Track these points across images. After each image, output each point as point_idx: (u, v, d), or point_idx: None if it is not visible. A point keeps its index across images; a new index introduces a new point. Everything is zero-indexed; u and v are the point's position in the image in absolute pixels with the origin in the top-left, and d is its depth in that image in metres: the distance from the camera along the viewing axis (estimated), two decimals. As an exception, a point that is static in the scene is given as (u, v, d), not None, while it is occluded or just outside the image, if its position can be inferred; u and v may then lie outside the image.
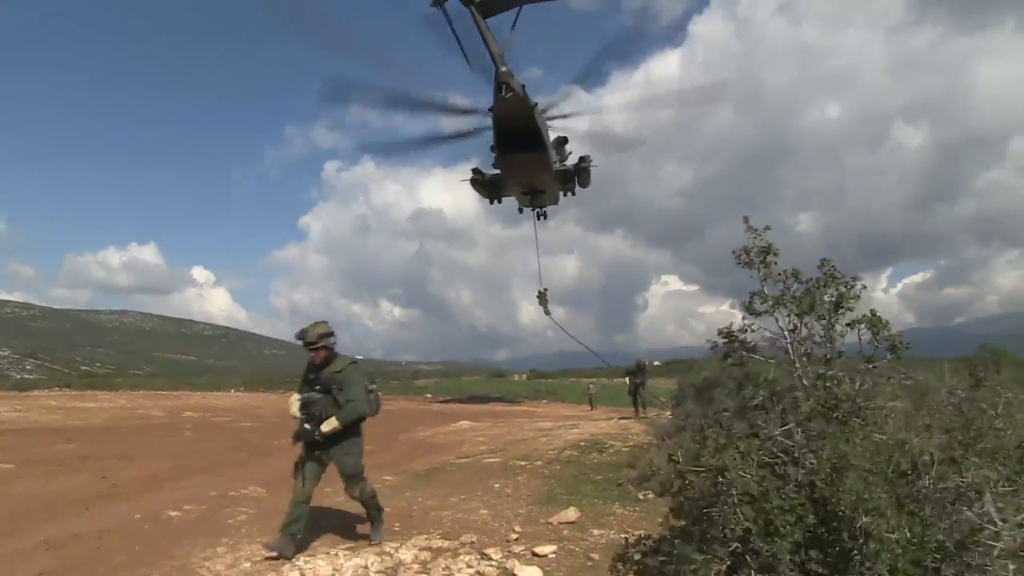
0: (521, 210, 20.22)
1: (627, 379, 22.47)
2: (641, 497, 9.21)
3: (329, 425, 6.69)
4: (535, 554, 6.78)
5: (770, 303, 3.57)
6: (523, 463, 12.34)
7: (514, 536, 7.51)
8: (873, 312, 3.48)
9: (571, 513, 8.31)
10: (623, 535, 7.49)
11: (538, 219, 20.46)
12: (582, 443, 14.62)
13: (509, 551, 6.91)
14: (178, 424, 21.01)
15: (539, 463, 12.31)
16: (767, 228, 3.64)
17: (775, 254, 3.61)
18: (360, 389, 6.96)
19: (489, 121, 15.46)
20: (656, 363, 38.68)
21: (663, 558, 3.10)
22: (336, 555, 6.74)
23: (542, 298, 20.98)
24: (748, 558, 2.75)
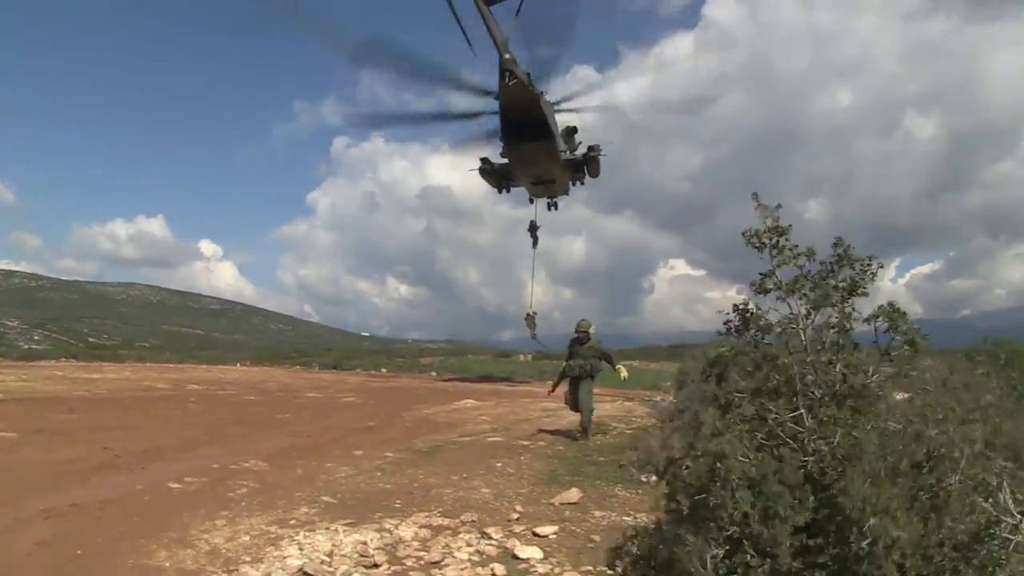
0: (532, 200, 19.99)
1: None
2: (644, 480, 9.18)
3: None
4: (536, 534, 6.74)
5: (783, 289, 3.46)
6: (526, 443, 12.30)
7: (515, 516, 7.47)
8: (892, 304, 3.40)
9: (573, 494, 8.27)
10: (624, 518, 7.48)
11: (548, 209, 20.22)
12: (586, 425, 14.54)
13: (510, 531, 6.87)
14: (182, 396, 21.04)
15: (542, 443, 12.28)
16: (779, 206, 3.54)
17: (787, 235, 3.50)
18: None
19: (496, 108, 15.29)
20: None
21: (656, 543, 3.03)
22: (336, 530, 6.69)
23: (530, 321, 20.74)
24: (745, 542, 2.68)
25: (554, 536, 6.72)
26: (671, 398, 19.74)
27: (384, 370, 41.80)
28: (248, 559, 5.88)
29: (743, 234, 3.61)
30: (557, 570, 5.79)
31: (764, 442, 2.94)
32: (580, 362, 12.85)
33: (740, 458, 2.86)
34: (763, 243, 3.53)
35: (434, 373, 40.29)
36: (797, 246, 3.48)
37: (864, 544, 2.64)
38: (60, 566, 5.60)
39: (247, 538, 6.46)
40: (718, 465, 2.74)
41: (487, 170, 18.43)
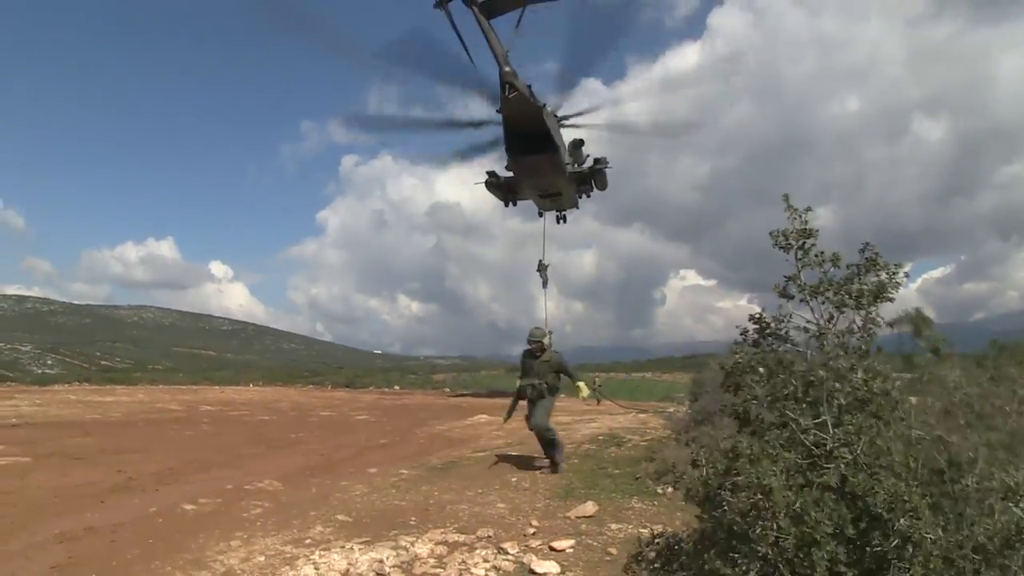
0: (541, 214, 19.98)
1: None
2: (660, 491, 9.11)
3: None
4: (552, 548, 6.68)
5: (807, 292, 3.42)
6: (540, 457, 12.22)
7: (531, 530, 7.41)
8: (918, 310, 3.37)
9: (589, 507, 8.21)
10: (641, 530, 7.41)
11: (557, 222, 20.18)
12: (600, 437, 14.51)
13: (526, 545, 6.81)
14: (195, 418, 21.06)
15: (556, 457, 12.18)
16: (808, 209, 3.50)
17: (814, 238, 3.46)
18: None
19: (499, 120, 15.33)
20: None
21: (686, 572, 2.98)
22: (351, 548, 6.64)
23: (542, 269, 20.14)
24: (780, 566, 2.63)
25: (571, 550, 6.65)
26: (685, 409, 19.68)
27: (397, 387, 41.82)
28: (263, 580, 5.85)
29: (770, 234, 3.57)
30: (574, 584, 5.74)
31: (798, 460, 2.89)
32: (534, 381, 11.21)
33: (786, 495, 2.80)
34: (790, 244, 3.49)
35: (447, 389, 40.28)
36: (823, 252, 3.45)
37: (892, 545, 2.60)
38: (75, 590, 5.59)
39: (262, 558, 6.41)
40: (758, 496, 2.69)
41: (494, 183, 18.45)
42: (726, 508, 2.69)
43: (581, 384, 11.61)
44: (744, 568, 2.60)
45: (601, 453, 12.50)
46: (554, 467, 10.94)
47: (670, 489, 9.14)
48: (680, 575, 3.20)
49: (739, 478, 2.74)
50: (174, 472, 10.76)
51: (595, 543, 6.93)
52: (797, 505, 2.59)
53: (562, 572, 6.03)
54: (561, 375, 11.44)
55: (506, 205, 19.17)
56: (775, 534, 2.57)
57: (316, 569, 6.10)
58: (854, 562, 2.58)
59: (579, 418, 19.47)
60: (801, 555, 2.55)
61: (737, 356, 3.53)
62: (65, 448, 13.09)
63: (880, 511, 2.68)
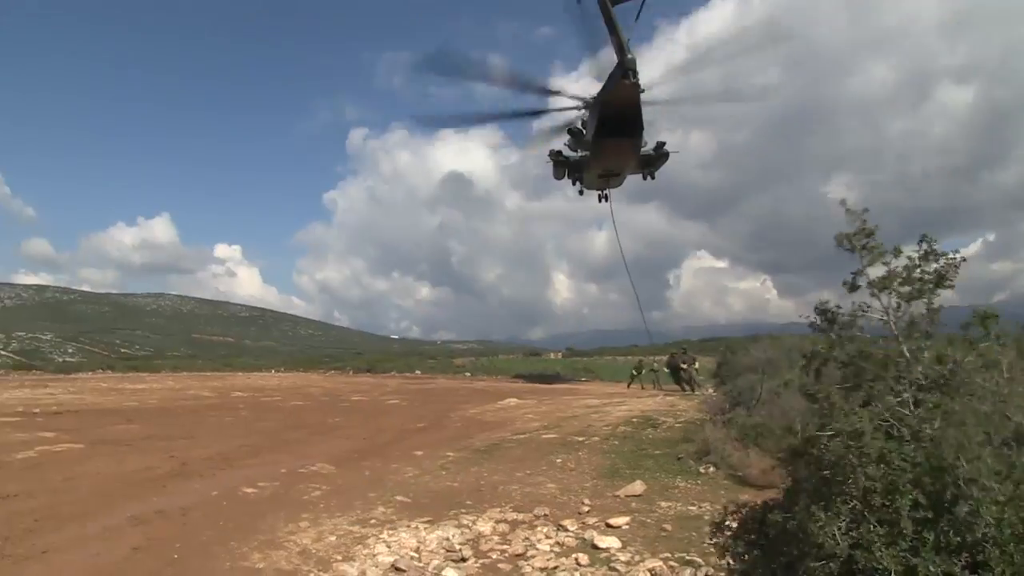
0: (582, 192, 20.12)
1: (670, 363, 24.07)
2: (702, 471, 9.33)
3: None
4: (609, 525, 6.92)
5: (877, 285, 3.64)
6: (580, 439, 12.49)
7: (585, 508, 7.66)
8: (988, 310, 3.57)
9: (638, 486, 8.44)
10: (689, 507, 7.65)
11: (600, 201, 20.34)
12: (634, 419, 14.76)
13: (584, 522, 7.06)
14: (230, 404, 21.46)
15: (596, 439, 12.46)
16: (866, 211, 3.73)
17: (874, 235, 3.68)
18: None
19: (577, 105, 15.88)
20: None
21: (785, 515, 3.21)
22: (417, 528, 6.92)
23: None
24: (866, 515, 2.87)
25: (627, 527, 6.90)
26: (711, 392, 19.91)
27: (418, 372, 42.12)
28: (340, 557, 6.11)
29: (835, 238, 3.80)
30: (637, 558, 5.96)
31: (882, 421, 3.13)
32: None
33: (874, 437, 3.04)
34: (854, 245, 3.71)
35: (468, 374, 40.49)
36: (882, 243, 3.66)
37: (958, 487, 2.83)
38: (160, 569, 5.85)
39: (333, 538, 6.69)
40: (851, 443, 2.92)
41: (560, 162, 18.70)
42: (824, 452, 2.91)
43: None
44: (836, 511, 2.83)
45: (639, 435, 12.74)
46: None
47: (712, 468, 9.39)
48: (778, 516, 3.42)
49: (833, 428, 2.97)
50: (225, 457, 11.07)
51: (649, 520, 7.16)
52: (883, 452, 2.83)
53: (623, 547, 6.26)
54: None
55: (573, 183, 19.41)
56: (865, 481, 2.80)
57: (388, 547, 6.37)
58: (931, 508, 2.80)
59: (607, 401, 19.74)
60: (887, 502, 2.79)
61: (819, 345, 3.76)
62: (113, 435, 13.47)
63: (948, 459, 2.92)
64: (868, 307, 3.70)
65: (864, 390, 3.46)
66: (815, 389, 3.68)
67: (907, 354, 3.47)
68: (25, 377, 36.94)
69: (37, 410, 17.98)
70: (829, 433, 3.06)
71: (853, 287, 3.79)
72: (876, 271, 3.79)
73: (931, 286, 3.66)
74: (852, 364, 3.64)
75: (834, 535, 2.83)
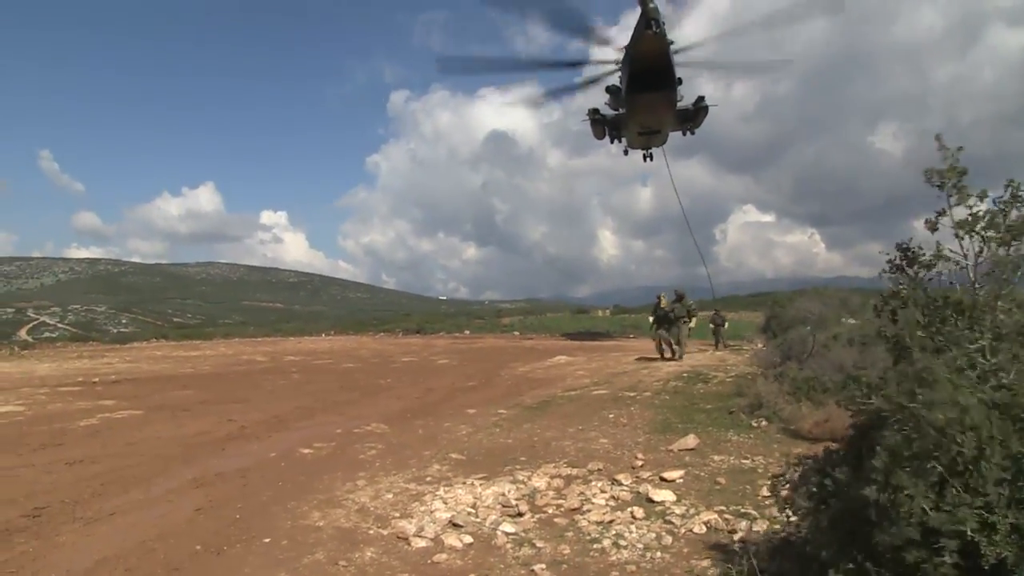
0: (627, 152, 19.82)
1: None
2: (754, 425, 9.27)
3: None
4: (663, 479, 6.89)
5: (963, 228, 3.49)
6: (632, 394, 12.47)
7: (639, 462, 7.65)
8: None
9: (690, 440, 8.40)
10: (743, 461, 7.61)
11: (644, 160, 20.10)
12: (684, 374, 14.68)
13: (638, 476, 7.05)
14: (283, 368, 21.78)
15: (647, 394, 12.42)
16: (960, 149, 3.57)
17: (966, 174, 3.53)
18: None
19: (618, 57, 15.42)
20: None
21: (855, 475, 3.14)
22: (473, 484, 6.96)
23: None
24: (950, 480, 2.79)
25: (681, 480, 6.87)
26: (761, 346, 19.73)
27: (467, 332, 42.27)
28: (397, 515, 6.17)
29: (924, 172, 3.65)
30: (692, 511, 5.93)
31: (958, 369, 3.03)
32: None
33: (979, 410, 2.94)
34: (943, 182, 3.56)
35: (516, 332, 40.51)
36: (968, 186, 3.50)
37: None
38: (223, 528, 5.96)
39: (390, 496, 6.77)
40: (951, 416, 2.83)
41: (598, 120, 18.42)
42: (921, 419, 2.83)
43: None
44: (926, 480, 2.75)
45: (690, 389, 12.68)
46: None
47: (764, 422, 9.31)
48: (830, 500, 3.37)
49: (932, 396, 2.87)
50: (280, 419, 11.26)
51: (702, 474, 7.13)
52: (977, 420, 2.74)
53: (678, 500, 6.24)
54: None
55: (612, 142, 19.14)
56: (957, 447, 2.72)
57: (445, 503, 6.42)
58: (1017, 476, 2.72)
59: (656, 357, 19.65)
60: (971, 467, 2.71)
61: (900, 287, 3.63)
62: (170, 401, 13.78)
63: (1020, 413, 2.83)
64: (950, 250, 3.57)
65: (944, 335, 3.35)
66: (893, 332, 3.58)
67: (985, 300, 3.34)
68: (83, 348, 37.85)
69: (96, 379, 18.39)
70: (920, 402, 2.95)
71: (933, 226, 3.65)
72: (959, 213, 3.65)
73: (1015, 233, 3.51)
74: (933, 307, 3.52)
75: (923, 508, 2.75)
